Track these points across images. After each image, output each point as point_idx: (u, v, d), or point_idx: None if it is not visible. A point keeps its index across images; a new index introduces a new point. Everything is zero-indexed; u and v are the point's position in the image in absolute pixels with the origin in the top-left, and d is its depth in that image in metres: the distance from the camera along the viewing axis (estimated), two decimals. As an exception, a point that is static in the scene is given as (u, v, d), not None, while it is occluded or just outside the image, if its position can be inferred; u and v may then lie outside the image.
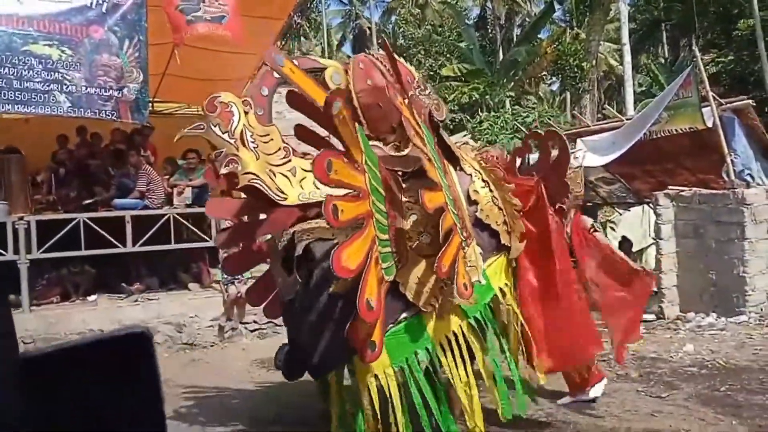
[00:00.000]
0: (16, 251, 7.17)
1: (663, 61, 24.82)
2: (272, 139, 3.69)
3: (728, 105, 8.45)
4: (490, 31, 27.90)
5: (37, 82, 7.41)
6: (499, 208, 4.02)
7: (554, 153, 4.40)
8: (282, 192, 3.54)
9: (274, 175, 3.54)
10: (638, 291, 4.68)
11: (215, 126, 3.59)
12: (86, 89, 7.60)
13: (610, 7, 19.66)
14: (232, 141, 3.55)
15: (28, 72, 7.35)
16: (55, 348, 0.66)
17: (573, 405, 4.68)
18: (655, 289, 8.20)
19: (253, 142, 3.58)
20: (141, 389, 0.68)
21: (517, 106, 19.48)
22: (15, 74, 7.30)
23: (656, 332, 7.16)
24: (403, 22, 28.79)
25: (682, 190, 8.16)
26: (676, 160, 9.07)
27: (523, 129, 15.63)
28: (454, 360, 3.67)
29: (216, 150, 3.86)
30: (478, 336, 3.79)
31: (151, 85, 8.91)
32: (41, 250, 7.30)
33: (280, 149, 3.69)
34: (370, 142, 3.58)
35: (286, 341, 4.18)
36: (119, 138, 9.16)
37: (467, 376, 3.71)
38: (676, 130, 8.51)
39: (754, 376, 5.27)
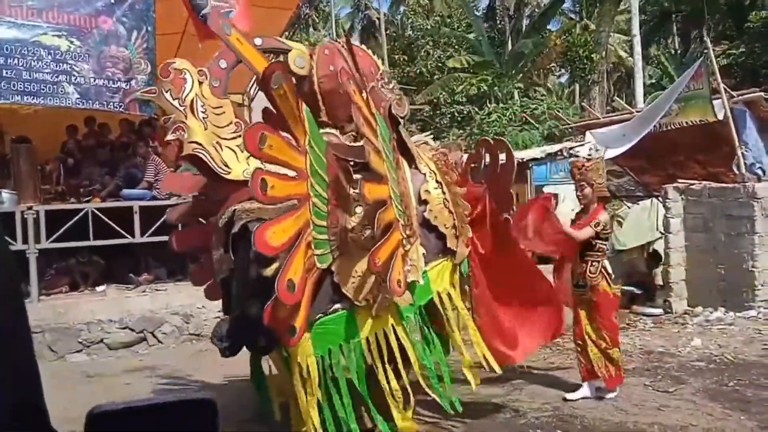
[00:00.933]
0: (25, 241, 7.21)
1: (673, 52, 24.61)
2: (224, 112, 3.65)
3: (740, 97, 8.36)
4: (498, 22, 27.69)
5: (46, 73, 7.44)
6: (450, 212, 3.96)
7: (501, 162, 4.37)
8: (226, 166, 3.49)
9: (221, 147, 3.49)
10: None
11: (167, 91, 3.58)
12: (94, 81, 7.61)
13: (620, -3, 19.50)
14: (181, 108, 3.55)
15: (38, 63, 7.37)
16: (124, 406, 0.67)
17: (580, 400, 4.68)
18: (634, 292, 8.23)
19: (203, 112, 3.55)
20: None
21: (525, 98, 19.38)
22: (24, 65, 7.33)
23: (664, 326, 7.14)
24: (412, 12, 28.62)
25: (692, 184, 8.10)
26: (686, 153, 9.00)
27: (532, 121, 15.54)
28: (381, 357, 3.61)
29: (165, 116, 3.83)
30: (409, 336, 3.72)
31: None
32: (50, 240, 7.33)
33: (231, 123, 3.64)
34: (328, 129, 3.62)
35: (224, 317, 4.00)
36: (127, 128, 9.18)
37: (392, 373, 3.65)
38: (686, 123, 8.44)
39: (763, 371, 5.24)
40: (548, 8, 22.46)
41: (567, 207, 9.45)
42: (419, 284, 3.67)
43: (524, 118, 15.88)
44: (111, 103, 7.78)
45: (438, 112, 22.90)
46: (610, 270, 4.76)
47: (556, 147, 10.53)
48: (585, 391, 4.75)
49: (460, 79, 21.23)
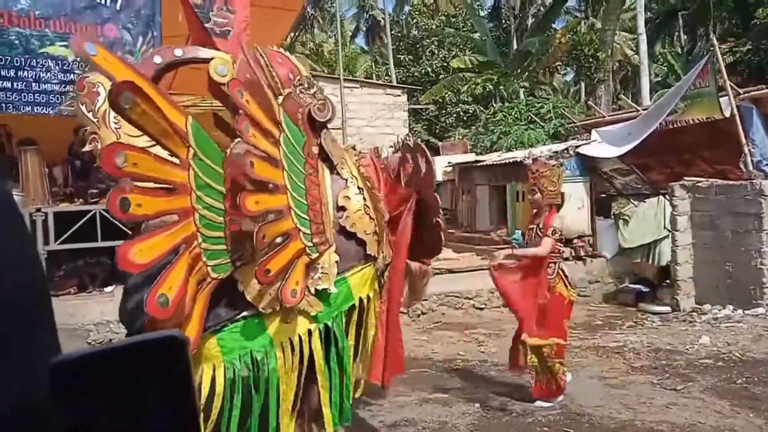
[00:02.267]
0: (34, 243, 7.24)
1: (679, 50, 24.52)
2: None
3: (746, 94, 8.33)
4: (504, 21, 27.68)
5: (54, 84, 7.55)
6: (371, 218, 3.88)
7: (423, 167, 4.15)
8: None
9: None
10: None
11: (82, 104, 3.72)
12: None
13: (625, -5, 19.45)
14: (95, 120, 3.68)
15: (46, 74, 7.49)
16: (85, 352, 0.66)
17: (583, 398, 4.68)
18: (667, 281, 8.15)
19: (115, 123, 3.62)
20: (173, 395, 0.67)
21: (531, 97, 19.31)
22: (34, 77, 7.43)
23: (672, 324, 7.13)
24: (417, 12, 28.65)
25: (699, 181, 8.08)
26: (692, 150, 8.97)
27: (537, 120, 15.52)
28: (292, 363, 3.57)
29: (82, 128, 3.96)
30: (321, 343, 3.67)
31: (166, 78, 8.97)
32: (58, 242, 7.38)
33: None
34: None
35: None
36: (134, 130, 9.22)
37: (297, 380, 3.59)
38: (693, 120, 8.42)
39: (772, 368, 5.23)
40: (553, 7, 22.41)
41: (573, 205, 9.47)
42: (335, 291, 3.64)
43: (530, 117, 15.86)
44: None
45: (443, 111, 22.89)
46: (567, 272, 4.72)
47: (562, 145, 10.51)
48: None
49: (465, 78, 21.21)
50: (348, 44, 30.86)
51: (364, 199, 3.90)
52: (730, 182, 7.83)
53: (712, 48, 8.42)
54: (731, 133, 7.90)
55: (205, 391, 3.39)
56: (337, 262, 3.67)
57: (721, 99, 7.93)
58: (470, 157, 13.53)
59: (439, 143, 16.88)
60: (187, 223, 3.16)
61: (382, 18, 28.88)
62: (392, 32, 27.18)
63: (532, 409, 4.52)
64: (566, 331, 4.75)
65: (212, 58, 3.91)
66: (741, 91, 8.34)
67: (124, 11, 7.86)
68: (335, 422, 3.70)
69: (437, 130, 22.91)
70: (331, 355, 3.72)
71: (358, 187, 3.92)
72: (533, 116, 15.83)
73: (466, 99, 21.62)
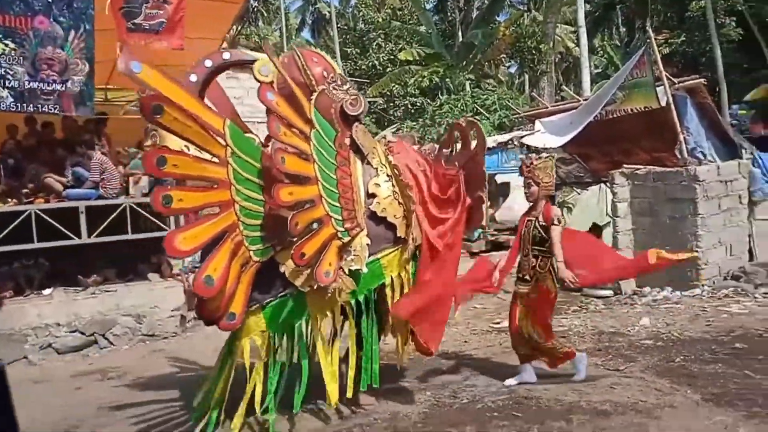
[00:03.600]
0: (-35, 246, 6.91)
1: (618, 42, 25.25)
2: None
3: (681, 84, 8.63)
4: (449, 14, 27.88)
5: None
6: (399, 203, 4.27)
7: (473, 144, 4.53)
8: None
9: (189, 150, 3.87)
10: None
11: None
12: (29, 84, 7.42)
13: (566, -11, 19.86)
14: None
15: None
16: None
17: (533, 383, 4.78)
18: None
19: None
20: None
21: (477, 89, 19.56)
22: None
23: (614, 307, 7.34)
24: (363, 6, 28.56)
25: (638, 169, 8.33)
26: (631, 139, 9.24)
27: (483, 111, 15.72)
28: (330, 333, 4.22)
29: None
30: (353, 315, 4.24)
31: (103, 72, 8.68)
32: (-9, 244, 7.05)
33: None
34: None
35: None
36: (71, 127, 8.90)
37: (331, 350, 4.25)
38: (631, 110, 8.66)
39: (707, 346, 5.44)
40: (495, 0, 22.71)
41: (520, 195, 9.63)
42: (366, 272, 4.05)
43: (476, 109, 16.05)
44: (46, 106, 7.58)
45: (391, 104, 22.95)
46: (556, 267, 4.80)
47: (506, 136, 10.70)
48: (524, 375, 4.80)
49: (412, 71, 21.30)
50: (293, 37, 30.53)
51: (393, 185, 4.29)
52: (667, 169, 8.11)
53: (648, 40, 8.67)
54: (667, 121, 8.18)
55: (247, 360, 4.00)
56: (368, 245, 4.07)
57: (657, 89, 8.18)
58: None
59: (388, 136, 16.90)
60: (228, 214, 3.67)
61: (328, 11, 28.66)
62: (338, 25, 27.03)
63: (482, 396, 4.58)
64: (550, 325, 4.80)
65: (256, 60, 4.26)
66: (676, 81, 8.63)
67: (55, 3, 7.55)
68: (364, 384, 4.27)
69: (386, 123, 22.95)
70: (364, 324, 4.27)
71: (387, 175, 4.32)
72: (479, 108, 16.05)
73: (413, 92, 21.71)
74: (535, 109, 12.01)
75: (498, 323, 6.87)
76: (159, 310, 7.39)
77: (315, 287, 3.86)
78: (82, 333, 6.98)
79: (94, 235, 7.55)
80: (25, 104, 7.43)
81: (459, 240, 4.53)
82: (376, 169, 4.31)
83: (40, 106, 7.52)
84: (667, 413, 3.99)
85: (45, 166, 8.40)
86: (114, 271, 8.24)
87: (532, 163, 4.71)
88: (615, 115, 8.89)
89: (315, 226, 3.80)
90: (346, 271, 3.95)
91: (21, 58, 7.33)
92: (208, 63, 4.40)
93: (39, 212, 7.38)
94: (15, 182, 8.30)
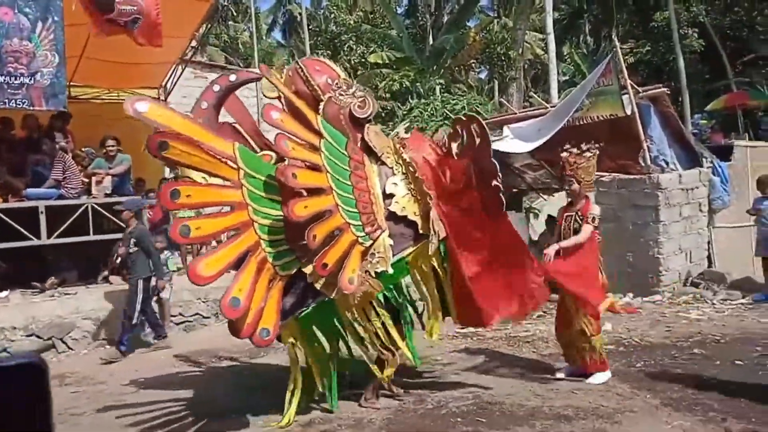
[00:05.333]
0: None
1: (585, 51, 25.66)
2: None
3: (645, 93, 8.80)
4: (420, 18, 28.00)
5: None
6: (417, 199, 4.29)
7: (477, 135, 4.56)
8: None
9: None
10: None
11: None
12: None
13: (535, -4, 20.14)
14: None
15: None
16: None
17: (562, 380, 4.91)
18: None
19: None
20: (30, 417, 0.67)
21: (447, 94, 19.63)
22: None
23: (578, 313, 7.43)
24: (334, 7, 28.49)
25: (602, 176, 8.47)
26: (597, 146, 9.37)
27: (452, 116, 15.81)
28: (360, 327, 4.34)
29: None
30: (382, 308, 4.33)
31: (68, 68, 8.47)
32: (-55, 244, 6.82)
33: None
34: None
35: None
36: (32, 124, 8.65)
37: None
38: (597, 117, 8.79)
39: (667, 351, 5.56)
40: (465, 5, 22.88)
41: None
42: (388, 272, 4.11)
43: (445, 113, 16.13)
44: (14, 100, 7.35)
45: (362, 107, 22.88)
46: (601, 258, 4.90)
47: (475, 141, 10.75)
48: (566, 371, 4.96)
49: (382, 75, 21.31)
50: (264, 38, 30.31)
51: (409, 182, 4.31)
52: (631, 176, 8.26)
53: (614, 49, 8.84)
54: (631, 129, 8.33)
55: (294, 364, 4.24)
56: (391, 245, 4.12)
57: (623, 97, 8.33)
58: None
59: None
60: (248, 234, 3.72)
61: (299, 13, 28.50)
62: (310, 27, 26.89)
63: (446, 401, 4.59)
64: (599, 313, 4.91)
65: (262, 77, 4.39)
66: (640, 90, 8.81)
67: None
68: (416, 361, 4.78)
69: (356, 126, 22.93)
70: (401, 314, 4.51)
71: (403, 173, 4.33)
72: (448, 112, 16.11)
73: (383, 95, 21.70)
74: (504, 115, 12.11)
75: (463, 328, 6.90)
76: (120, 314, 7.22)
77: (343, 294, 3.92)
78: (39, 337, 6.79)
79: (54, 236, 7.36)
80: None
81: (490, 224, 4.50)
82: (391, 168, 4.35)
83: (7, 101, 7.28)
84: (628, 418, 4.05)
85: (4, 164, 8.17)
86: (75, 274, 8.03)
87: (575, 163, 4.81)
88: (582, 122, 9.02)
89: (336, 233, 3.86)
90: (373, 274, 4.01)
91: None
92: (216, 88, 4.49)
93: (-4, 212, 7.15)
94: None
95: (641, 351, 5.65)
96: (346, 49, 25.36)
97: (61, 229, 7.36)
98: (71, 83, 9.59)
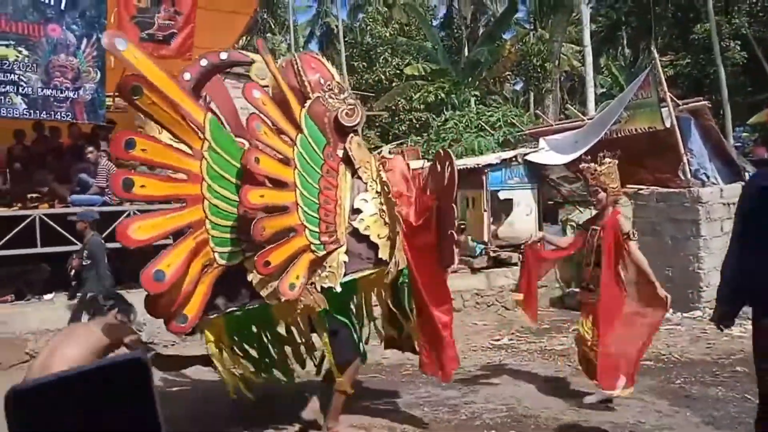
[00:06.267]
0: (-32, 249, 6.94)
1: (623, 63, 25.35)
2: None
3: (685, 106, 8.67)
4: (455, 30, 28.07)
5: None
6: (385, 222, 3.94)
7: (445, 174, 4.14)
8: None
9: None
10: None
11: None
12: (42, 91, 7.50)
13: (572, 8, 19.97)
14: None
15: None
16: (53, 377, 0.68)
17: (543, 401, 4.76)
18: None
19: None
20: (138, 411, 0.69)
21: (481, 106, 19.62)
22: None
23: (615, 327, 7.32)
24: (370, 20, 28.76)
25: (641, 189, 8.35)
26: (635, 159, 9.26)
27: (488, 128, 15.78)
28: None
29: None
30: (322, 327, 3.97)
31: (112, 79, 8.75)
32: (-6, 248, 7.07)
33: None
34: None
35: None
36: (78, 133, 8.95)
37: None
38: (635, 130, 8.70)
39: (708, 368, 5.44)
40: (501, 18, 22.86)
41: (522, 211, 9.66)
42: (335, 290, 3.75)
43: (480, 125, 16.11)
44: (59, 113, 7.67)
45: (396, 118, 23.03)
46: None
47: (510, 153, 10.69)
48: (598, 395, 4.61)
49: (417, 86, 21.39)
50: (301, 50, 30.71)
51: (381, 203, 3.97)
52: (670, 190, 8.12)
53: (653, 61, 8.74)
54: (671, 142, 8.21)
55: (219, 363, 3.92)
56: (345, 262, 3.78)
57: (661, 110, 8.22)
58: (422, 164, 13.63)
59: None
60: (195, 209, 3.39)
61: (336, 25, 28.84)
62: (346, 39, 27.18)
63: (480, 413, 4.57)
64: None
65: (253, 61, 4.14)
66: (680, 102, 8.68)
67: (68, 12, 7.65)
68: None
69: (390, 137, 23.02)
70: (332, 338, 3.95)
71: (377, 192, 4.01)
72: (483, 124, 16.09)
73: (418, 106, 21.79)
74: (540, 127, 12.05)
75: (498, 340, 6.86)
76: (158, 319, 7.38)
77: (282, 300, 3.57)
78: (83, 339, 6.96)
79: (98, 241, 7.55)
80: (38, 111, 7.50)
81: (434, 270, 4.17)
82: (366, 184, 4.03)
83: (53, 113, 7.60)
84: (667, 435, 3.98)
85: (51, 171, 8.46)
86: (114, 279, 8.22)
87: (596, 170, 4.62)
88: (619, 135, 8.93)
89: (291, 234, 3.54)
90: (318, 288, 3.67)
91: (34, 65, 7.43)
92: (204, 62, 4.22)
93: (43, 217, 7.40)
94: (21, 187, 8.35)
95: (681, 367, 5.54)
96: (381, 60, 25.55)
97: (105, 234, 7.56)
98: (115, 94, 9.89)
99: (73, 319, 6.15)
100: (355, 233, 3.88)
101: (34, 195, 8.11)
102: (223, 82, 4.38)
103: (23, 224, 7.26)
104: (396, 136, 22.75)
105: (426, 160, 15.01)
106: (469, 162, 10.53)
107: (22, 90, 7.37)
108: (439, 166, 4.15)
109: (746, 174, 9.06)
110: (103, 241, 6.91)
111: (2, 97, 7.31)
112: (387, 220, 3.95)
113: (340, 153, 3.99)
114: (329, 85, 4.09)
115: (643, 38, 23.38)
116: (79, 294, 6.51)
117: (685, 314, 7.38)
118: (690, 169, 8.25)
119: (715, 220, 7.73)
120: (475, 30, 26.52)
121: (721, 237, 7.84)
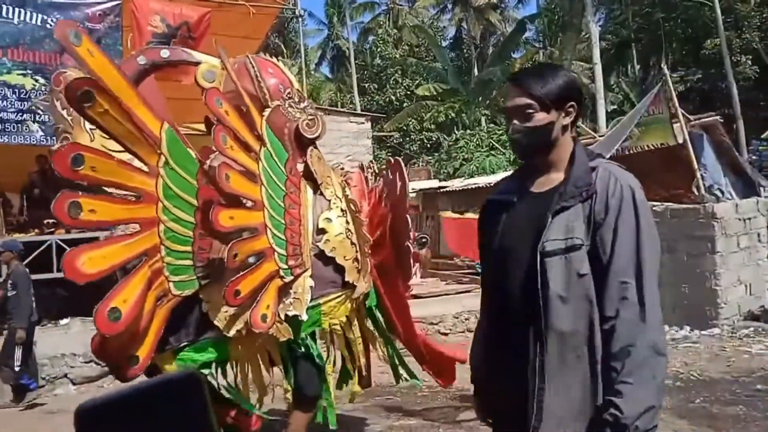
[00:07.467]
0: (-15, 274, 7.02)
1: (634, 79, 25.36)
2: None
3: (697, 122, 8.65)
4: (465, 51, 28.28)
5: (11, 112, 7.49)
6: (352, 243, 3.62)
7: (398, 184, 3.92)
8: None
9: None
10: None
11: (57, 101, 3.48)
12: None
13: (581, 27, 20.09)
14: (68, 118, 3.45)
15: (2, 102, 7.43)
16: (112, 395, 0.72)
17: None
18: None
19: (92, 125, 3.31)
20: (195, 428, 0.72)
21: (492, 124, 19.71)
22: None
23: (632, 346, 7.23)
24: (381, 42, 29.08)
25: (654, 205, 8.29)
26: (648, 175, 9.20)
27: (499, 146, 15.81)
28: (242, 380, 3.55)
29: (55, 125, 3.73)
30: (286, 363, 3.58)
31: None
32: (12, 273, 7.14)
33: None
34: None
35: None
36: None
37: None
38: (647, 146, 8.68)
39: (727, 387, 5.34)
40: (510, 37, 23.03)
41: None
42: (301, 319, 3.40)
43: (491, 144, 16.15)
44: None
45: (408, 138, 23.16)
46: None
47: (522, 172, 10.74)
48: None
49: (428, 106, 21.55)
50: (312, 72, 31.05)
51: (347, 222, 3.63)
52: (684, 206, 8.06)
53: (663, 77, 8.74)
54: (683, 158, 8.17)
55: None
56: (311, 287, 3.43)
57: (673, 125, 8.20)
58: (434, 183, 13.68)
59: (403, 170, 17.03)
60: (149, 234, 2.94)
61: (347, 48, 29.16)
62: (356, 61, 27.48)
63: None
64: None
65: (199, 63, 3.72)
66: (692, 118, 8.66)
67: None
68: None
69: (401, 157, 23.15)
70: (304, 369, 3.56)
71: (342, 210, 3.65)
72: (494, 143, 16.15)
73: (429, 126, 21.94)
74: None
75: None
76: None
77: (244, 333, 3.18)
78: (98, 364, 7.00)
79: (113, 265, 7.62)
80: (55, 138, 7.62)
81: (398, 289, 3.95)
82: (329, 201, 3.66)
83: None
84: (687, 456, 3.91)
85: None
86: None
87: None
88: (630, 152, 8.91)
89: (251, 260, 3.16)
90: (283, 317, 3.30)
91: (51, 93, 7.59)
92: (142, 60, 3.68)
93: (60, 242, 7.49)
94: (38, 212, 8.46)
95: (700, 386, 5.45)
96: (392, 82, 25.79)
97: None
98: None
99: (5, 352, 6.09)
100: (320, 255, 3.53)
101: (51, 221, 8.22)
102: (153, 80, 3.91)
103: (39, 249, 7.34)
104: (407, 156, 22.86)
105: (438, 180, 15.09)
106: (481, 181, 10.56)
107: (39, 118, 7.53)
108: (390, 175, 3.89)
109: (761, 189, 8.99)
110: (27, 272, 6.75)
111: (20, 125, 7.47)
112: (354, 240, 3.63)
113: (300, 167, 3.62)
114: (289, 93, 3.70)
115: (653, 54, 23.39)
116: (8, 324, 6.40)
117: (703, 332, 7.28)
118: (704, 185, 8.19)
119: (731, 235, 7.66)
120: (484, 50, 26.70)
121: (737, 253, 7.76)
